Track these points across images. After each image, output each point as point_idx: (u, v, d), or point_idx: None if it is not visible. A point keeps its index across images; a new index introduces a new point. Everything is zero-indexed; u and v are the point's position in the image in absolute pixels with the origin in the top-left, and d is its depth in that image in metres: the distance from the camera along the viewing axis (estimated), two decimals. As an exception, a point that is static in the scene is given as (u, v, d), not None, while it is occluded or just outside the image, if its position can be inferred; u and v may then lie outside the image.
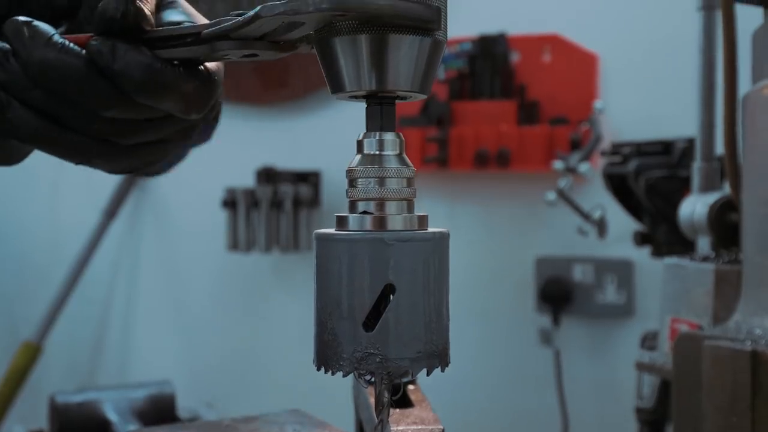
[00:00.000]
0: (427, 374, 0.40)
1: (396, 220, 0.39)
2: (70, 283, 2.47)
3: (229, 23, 0.37)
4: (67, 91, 0.39)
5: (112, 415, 0.96)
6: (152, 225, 2.68)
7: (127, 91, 0.38)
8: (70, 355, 2.75)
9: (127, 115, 0.40)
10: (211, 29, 0.38)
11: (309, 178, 2.34)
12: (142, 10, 0.39)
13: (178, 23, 0.42)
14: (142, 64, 0.38)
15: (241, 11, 0.38)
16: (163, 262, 2.72)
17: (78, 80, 0.38)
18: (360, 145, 0.40)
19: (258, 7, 0.35)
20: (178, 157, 1.00)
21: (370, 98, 0.40)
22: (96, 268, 2.60)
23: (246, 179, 2.35)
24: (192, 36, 0.39)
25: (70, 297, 2.50)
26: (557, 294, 2.03)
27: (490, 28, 2.04)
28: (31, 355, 2.42)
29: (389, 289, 0.38)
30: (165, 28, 0.40)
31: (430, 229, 0.40)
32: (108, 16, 0.38)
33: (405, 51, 0.38)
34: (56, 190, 2.74)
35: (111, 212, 2.51)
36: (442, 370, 0.40)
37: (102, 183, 2.38)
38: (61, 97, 0.39)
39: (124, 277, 2.79)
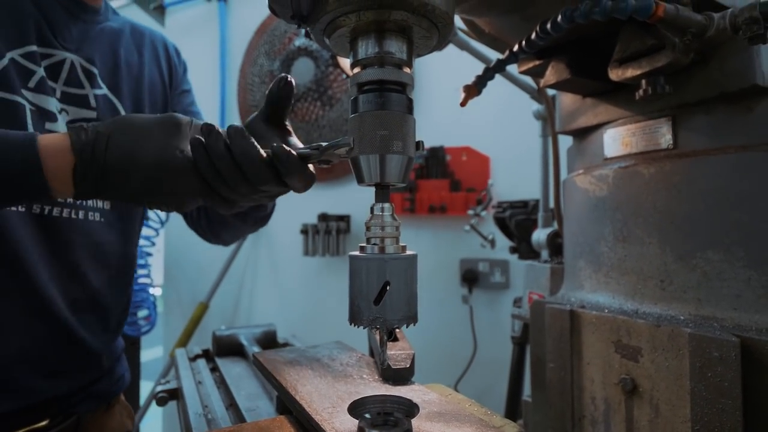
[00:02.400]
0: (406, 327, 0.51)
1: (390, 248, 0.50)
2: (223, 272, 3.08)
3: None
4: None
5: (244, 342, 1.16)
6: (266, 242, 3.15)
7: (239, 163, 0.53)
8: (222, 310, 3.22)
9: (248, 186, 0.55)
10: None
11: (344, 219, 2.79)
12: (290, 86, 0.53)
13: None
14: (246, 147, 0.53)
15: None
16: (271, 262, 3.15)
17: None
18: (372, 209, 0.52)
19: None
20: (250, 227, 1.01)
21: (377, 186, 0.52)
22: (236, 265, 3.17)
23: (312, 219, 2.86)
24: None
25: (222, 280, 3.11)
26: (471, 277, 2.39)
27: (435, 142, 2.49)
28: (203, 309, 3.02)
29: (387, 284, 0.48)
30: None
31: (408, 252, 0.51)
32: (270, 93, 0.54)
33: (394, 164, 0.51)
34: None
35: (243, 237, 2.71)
36: (414, 325, 0.51)
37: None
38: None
39: (251, 270, 3.21)
